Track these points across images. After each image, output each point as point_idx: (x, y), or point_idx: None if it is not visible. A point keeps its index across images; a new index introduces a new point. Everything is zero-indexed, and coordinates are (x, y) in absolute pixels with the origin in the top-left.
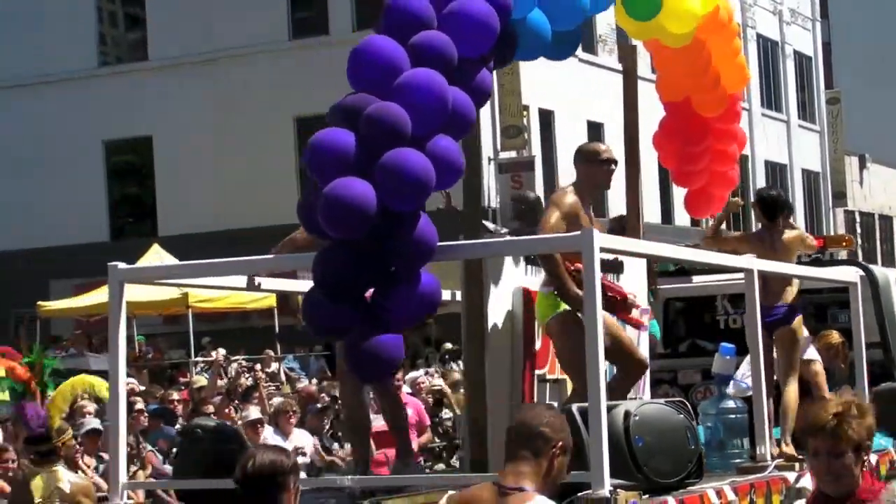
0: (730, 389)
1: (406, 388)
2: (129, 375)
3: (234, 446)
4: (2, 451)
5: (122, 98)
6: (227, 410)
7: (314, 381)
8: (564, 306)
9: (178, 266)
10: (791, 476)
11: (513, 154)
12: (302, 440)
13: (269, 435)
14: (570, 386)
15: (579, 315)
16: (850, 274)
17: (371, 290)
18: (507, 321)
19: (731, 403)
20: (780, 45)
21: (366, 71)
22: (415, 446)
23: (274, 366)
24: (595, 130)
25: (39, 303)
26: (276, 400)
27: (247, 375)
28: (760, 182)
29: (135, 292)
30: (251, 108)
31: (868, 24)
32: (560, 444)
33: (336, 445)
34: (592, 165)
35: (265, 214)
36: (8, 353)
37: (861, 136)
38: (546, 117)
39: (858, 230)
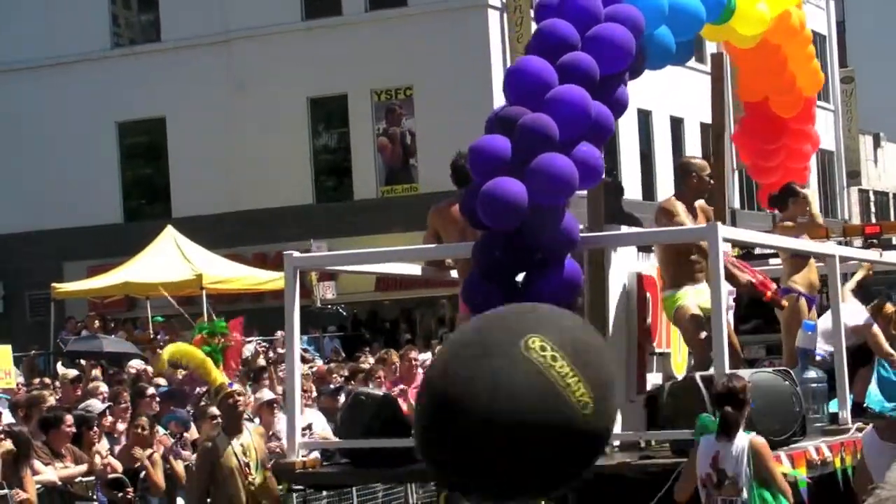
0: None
1: (419, 369)
2: (142, 358)
3: (391, 412)
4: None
5: (135, 79)
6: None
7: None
8: (678, 303)
9: (351, 254)
10: None
11: None
12: (312, 419)
13: (280, 415)
14: (673, 359)
15: (687, 308)
16: None
17: (523, 274)
18: (623, 300)
19: (812, 374)
20: None
21: (520, 86)
22: None
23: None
24: None
25: (53, 284)
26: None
27: (262, 357)
28: None
29: (149, 273)
30: (264, 89)
31: (882, 3)
32: None
33: None
34: (693, 179)
35: (278, 196)
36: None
37: (875, 115)
38: None
39: (873, 209)
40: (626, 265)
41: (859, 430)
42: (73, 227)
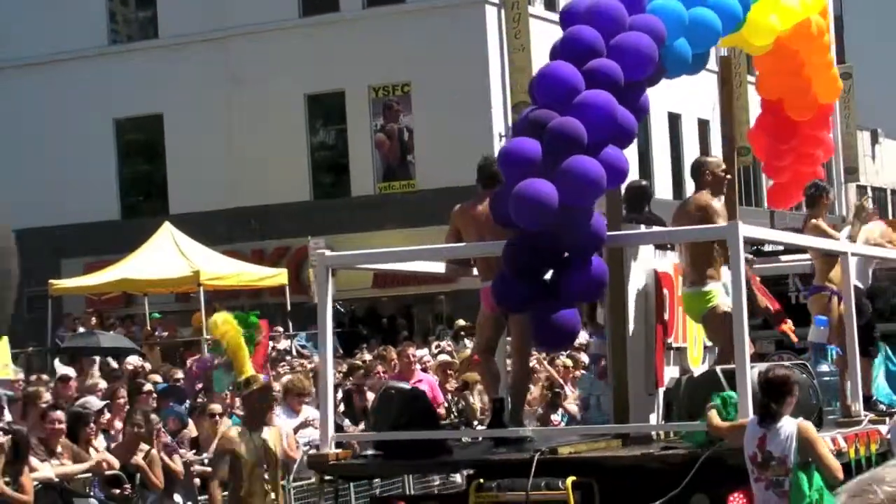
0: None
1: (417, 365)
2: (140, 354)
3: (421, 404)
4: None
5: (133, 76)
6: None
7: None
8: (712, 303)
9: (381, 253)
10: (883, 429)
11: None
12: (310, 415)
13: (278, 412)
14: (689, 354)
15: (720, 307)
16: None
17: (551, 272)
18: (642, 296)
19: (824, 367)
20: None
21: (548, 90)
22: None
23: (285, 343)
24: None
25: (51, 281)
26: (285, 378)
27: None
28: None
29: (147, 270)
30: (262, 85)
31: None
32: None
33: (347, 422)
34: (708, 177)
35: (276, 192)
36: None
37: (873, 111)
38: None
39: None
40: (645, 263)
41: (872, 421)
42: (70, 224)
